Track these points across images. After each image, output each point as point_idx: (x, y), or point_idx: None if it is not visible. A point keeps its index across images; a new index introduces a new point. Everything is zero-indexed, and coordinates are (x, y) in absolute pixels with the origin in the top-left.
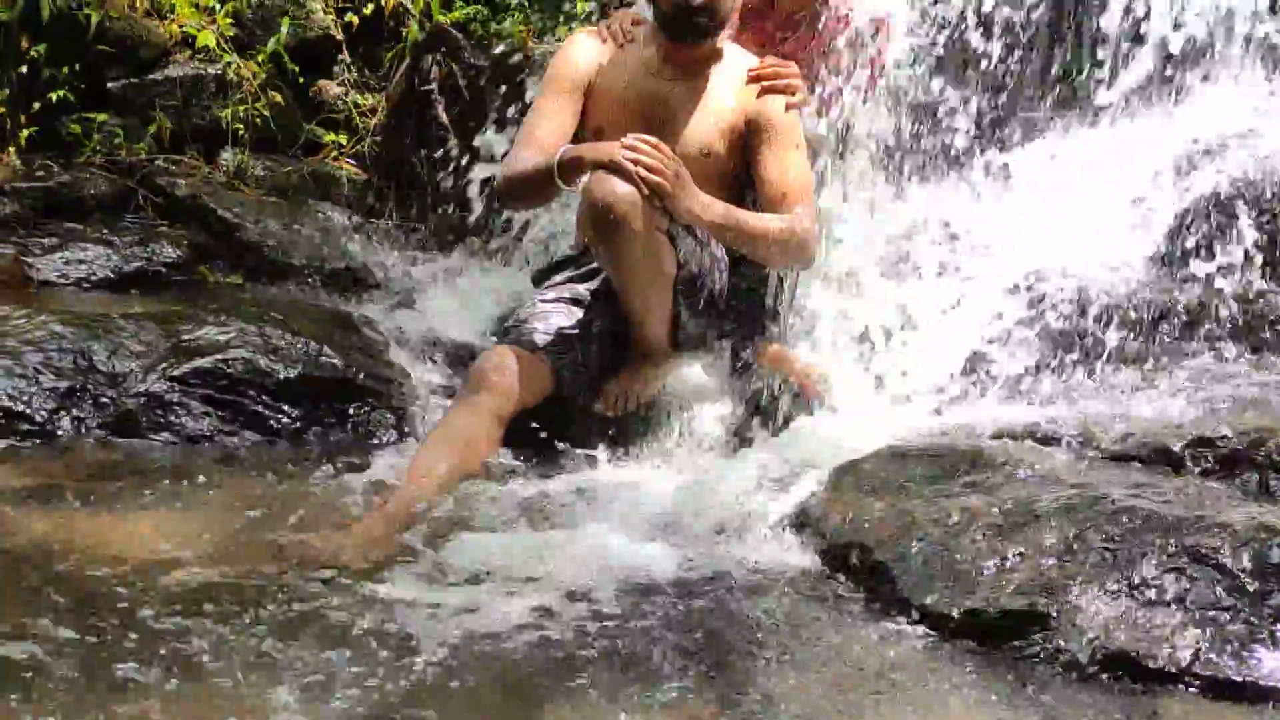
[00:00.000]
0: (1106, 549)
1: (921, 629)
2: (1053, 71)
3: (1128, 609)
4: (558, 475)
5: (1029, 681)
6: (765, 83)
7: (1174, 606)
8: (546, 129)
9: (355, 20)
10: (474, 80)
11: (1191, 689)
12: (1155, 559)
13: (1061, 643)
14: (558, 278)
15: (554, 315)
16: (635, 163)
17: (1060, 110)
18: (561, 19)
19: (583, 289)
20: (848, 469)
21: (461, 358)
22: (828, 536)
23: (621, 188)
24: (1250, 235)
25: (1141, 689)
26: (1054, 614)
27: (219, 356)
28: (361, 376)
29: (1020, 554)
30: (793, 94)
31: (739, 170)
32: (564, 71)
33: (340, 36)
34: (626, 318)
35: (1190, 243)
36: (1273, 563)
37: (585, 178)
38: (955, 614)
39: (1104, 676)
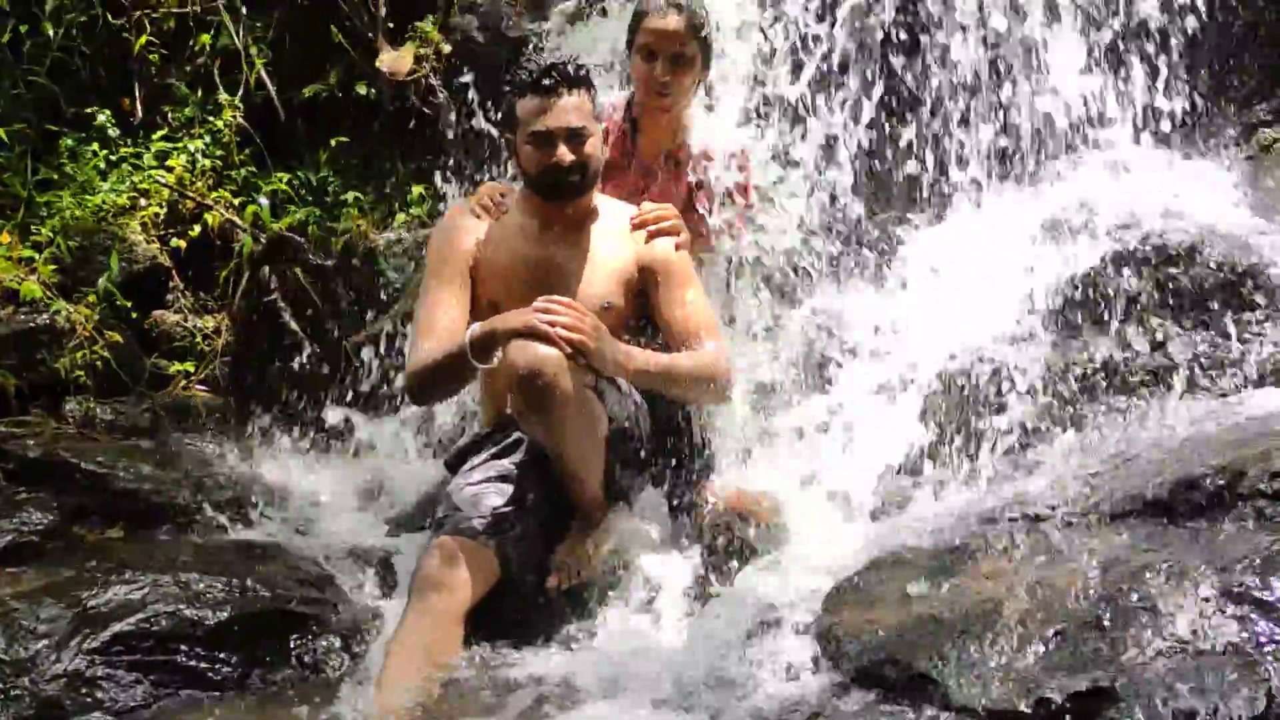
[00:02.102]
0: (1143, 608)
1: None
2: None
3: (1186, 664)
4: (535, 661)
5: None
6: (650, 227)
7: (1230, 654)
8: (443, 315)
9: (183, 244)
10: (325, 282)
11: None
12: (1198, 608)
13: (1140, 714)
14: (477, 459)
15: (486, 496)
16: (552, 324)
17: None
18: (397, 206)
19: (508, 464)
20: (845, 588)
21: (388, 560)
22: (854, 659)
23: (545, 351)
24: (1138, 290)
25: None
26: (1120, 686)
27: (139, 616)
28: (295, 603)
29: (1059, 632)
30: (677, 234)
31: (638, 318)
32: (447, 254)
33: (169, 263)
34: (562, 483)
35: (1081, 306)
36: None
37: (498, 354)
38: (1024, 707)
39: None
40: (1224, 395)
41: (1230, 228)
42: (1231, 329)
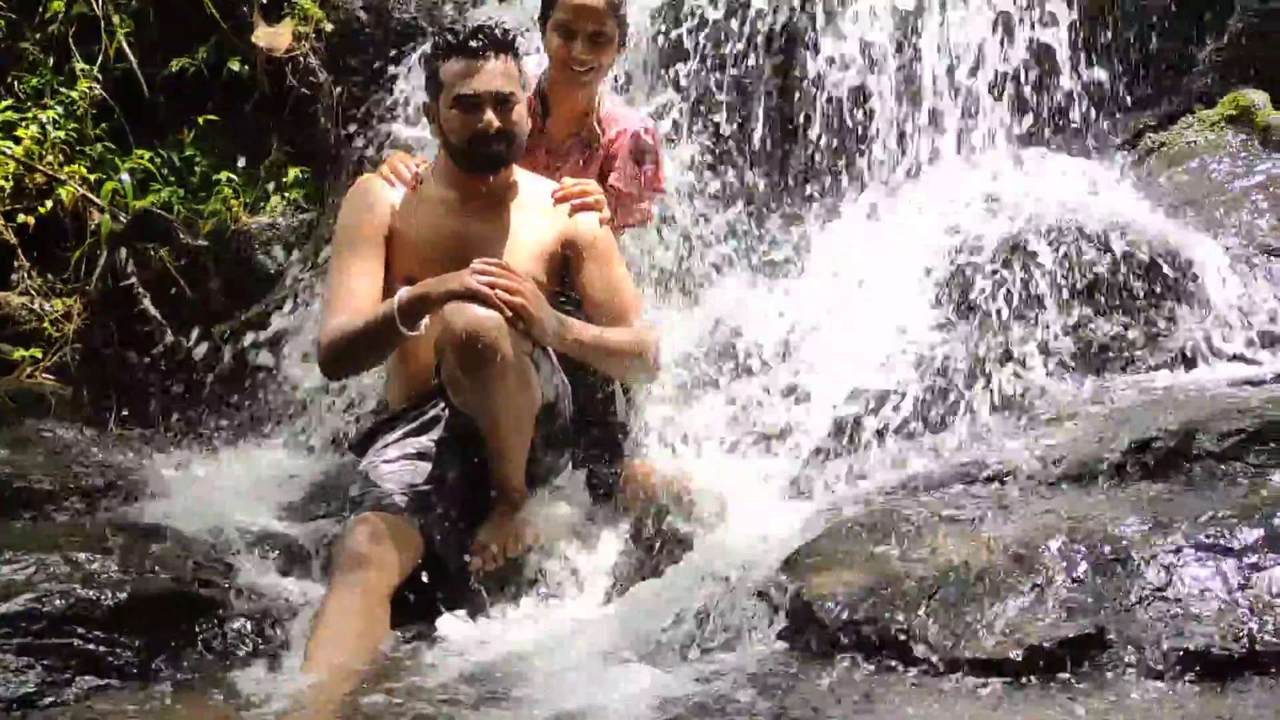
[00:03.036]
0: (1116, 560)
1: (972, 679)
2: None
3: (1170, 611)
4: (468, 639)
5: (1108, 690)
6: (574, 201)
7: (1207, 598)
8: (359, 286)
9: (30, 220)
10: (191, 266)
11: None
12: (1171, 558)
13: (1134, 650)
14: (391, 436)
15: (404, 474)
16: (491, 286)
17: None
18: (271, 189)
19: (426, 441)
20: (805, 554)
21: (287, 545)
22: (829, 622)
23: (484, 313)
24: (1056, 273)
25: (1215, 682)
26: (1109, 632)
27: (27, 597)
28: (198, 586)
29: (1037, 585)
30: (600, 210)
31: (561, 295)
32: (360, 224)
33: (14, 240)
34: (490, 459)
35: (995, 292)
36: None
37: (424, 321)
38: (1016, 655)
39: (1180, 676)
40: (1151, 371)
41: (1136, 219)
42: (1149, 312)
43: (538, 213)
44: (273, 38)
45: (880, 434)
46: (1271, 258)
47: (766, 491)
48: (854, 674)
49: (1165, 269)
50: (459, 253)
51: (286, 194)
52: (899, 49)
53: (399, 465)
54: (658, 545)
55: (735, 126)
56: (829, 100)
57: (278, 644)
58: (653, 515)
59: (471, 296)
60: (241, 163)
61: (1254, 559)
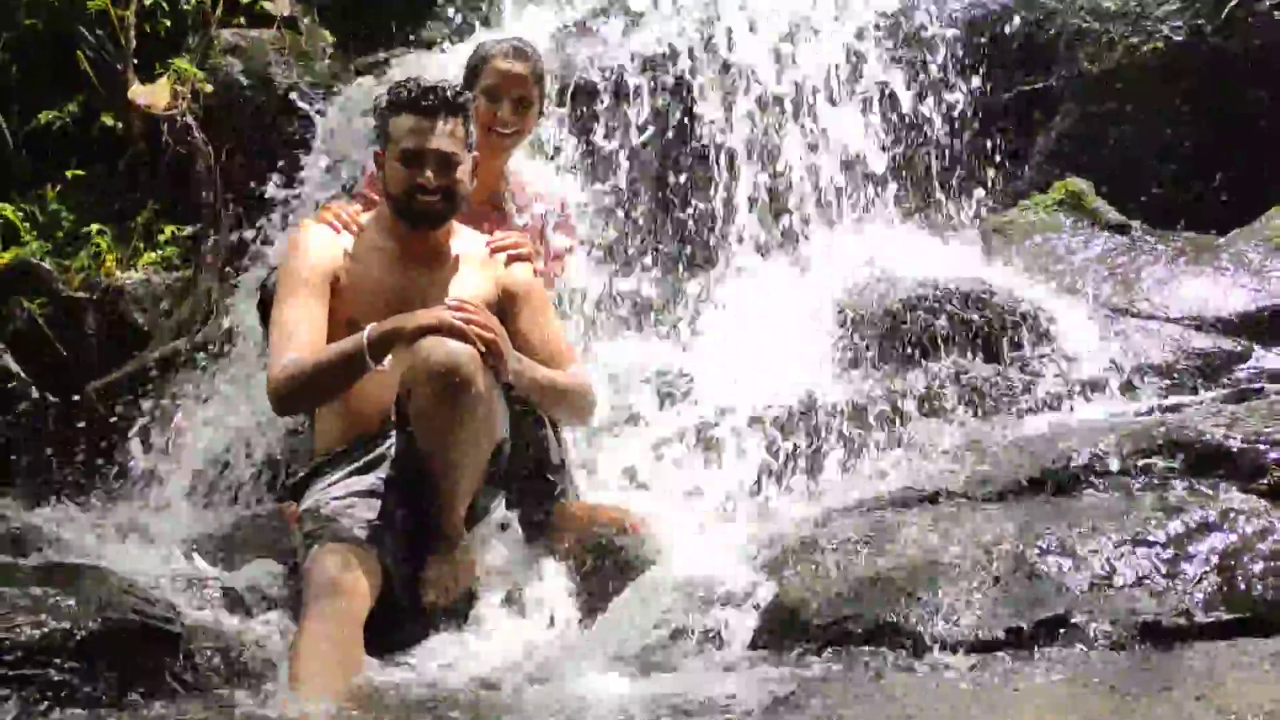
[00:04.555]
0: (1065, 555)
1: (958, 659)
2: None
3: (1119, 595)
4: (447, 666)
5: (1079, 660)
6: (509, 252)
7: (1147, 582)
8: (308, 325)
9: None
10: (61, 322)
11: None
12: (1110, 552)
13: (1094, 628)
14: (333, 476)
15: (358, 509)
16: (467, 321)
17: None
18: (143, 246)
19: (373, 479)
20: (779, 564)
21: (225, 586)
22: (813, 622)
23: (460, 347)
24: (938, 330)
25: (1164, 648)
26: (1077, 610)
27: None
28: (160, 620)
29: (998, 579)
30: (532, 261)
31: None
32: (308, 266)
33: None
34: (437, 496)
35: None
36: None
37: (389, 358)
38: (999, 634)
39: (1137, 645)
40: (1028, 414)
41: (1004, 283)
42: (1021, 362)
43: (475, 264)
44: (151, 94)
45: (796, 470)
46: (1119, 316)
47: (708, 523)
48: (845, 665)
49: (1033, 325)
50: (402, 301)
51: (161, 250)
52: (778, 127)
53: (349, 501)
54: (609, 576)
55: (625, 195)
56: (720, 169)
57: (251, 675)
58: (595, 548)
59: (448, 331)
60: (112, 220)
61: (1174, 551)
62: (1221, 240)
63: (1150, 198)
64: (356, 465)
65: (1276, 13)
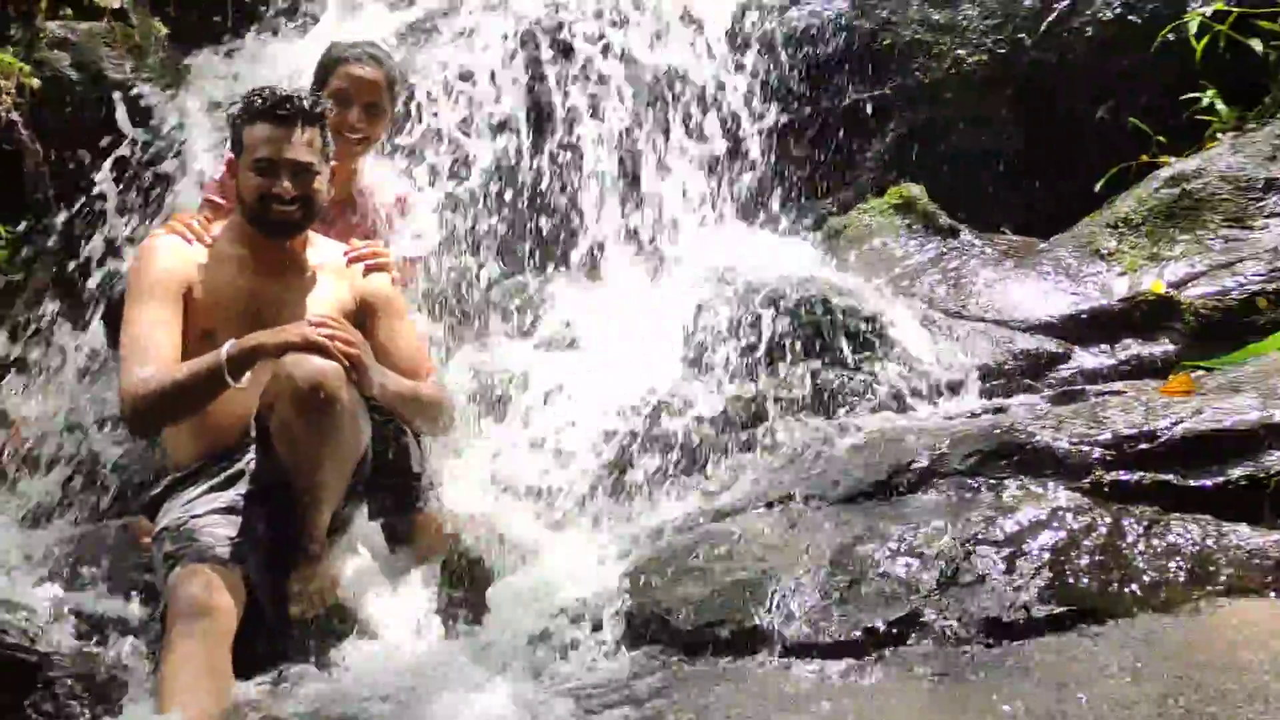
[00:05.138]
0: (913, 555)
1: (818, 663)
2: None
3: (963, 593)
4: (314, 683)
5: (932, 658)
6: (367, 262)
7: (988, 579)
8: (161, 338)
9: None
10: None
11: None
12: (954, 551)
13: (942, 625)
14: (191, 493)
15: (217, 527)
16: (330, 337)
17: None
18: None
19: (233, 495)
20: (641, 572)
21: (79, 612)
22: (682, 627)
23: (325, 363)
24: (788, 333)
25: (1007, 641)
26: (927, 607)
27: None
28: (17, 651)
29: (854, 581)
30: (391, 270)
31: None
32: (159, 277)
33: None
34: (300, 510)
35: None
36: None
37: (247, 374)
38: (857, 635)
39: (980, 641)
40: (871, 414)
41: (844, 286)
42: (864, 364)
43: (333, 273)
44: None
45: (648, 476)
46: (952, 319)
47: (553, 529)
48: (715, 670)
49: (875, 328)
50: (257, 311)
51: None
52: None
53: (210, 519)
54: (469, 584)
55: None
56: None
57: (114, 702)
58: (459, 556)
59: (311, 347)
60: None
61: (1011, 549)
62: (1043, 245)
63: (977, 202)
64: (215, 481)
65: (1089, 28)
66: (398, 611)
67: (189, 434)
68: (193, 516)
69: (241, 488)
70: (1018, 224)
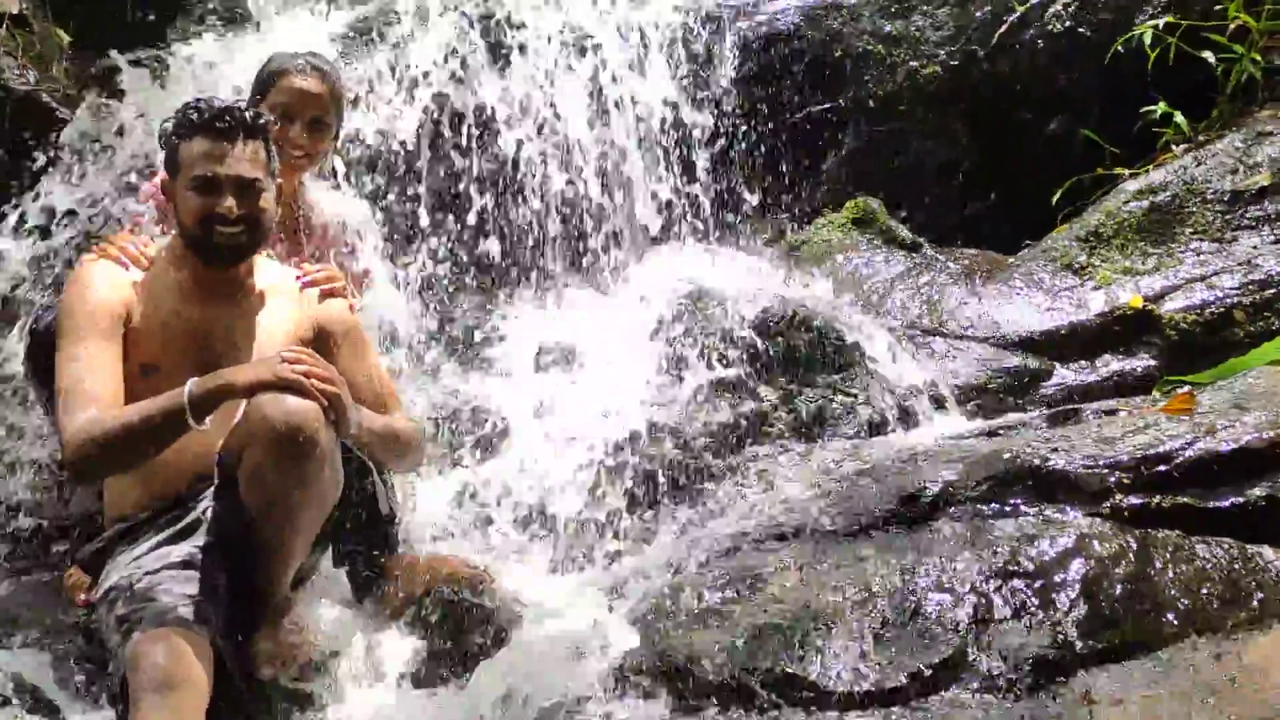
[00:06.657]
0: (946, 592)
1: (856, 713)
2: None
3: (999, 630)
4: None
5: (974, 703)
6: (322, 288)
7: (1024, 614)
8: (103, 376)
9: None
10: None
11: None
12: (986, 586)
13: (988, 665)
14: (139, 548)
15: (176, 584)
16: (307, 375)
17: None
18: None
19: (188, 548)
20: (653, 616)
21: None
22: (708, 675)
23: (303, 404)
24: (767, 354)
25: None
26: (969, 648)
27: None
28: None
29: (887, 622)
30: (347, 296)
31: None
32: (95, 309)
33: None
34: (264, 561)
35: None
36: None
37: (210, 417)
38: (903, 680)
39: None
40: (856, 439)
41: (817, 306)
42: (840, 386)
43: (285, 299)
44: None
45: (636, 505)
46: (930, 336)
47: (536, 570)
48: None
49: (853, 347)
50: (207, 342)
51: None
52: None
53: (165, 575)
54: (453, 633)
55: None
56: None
57: None
58: (438, 603)
59: (284, 386)
60: None
61: (1043, 580)
62: (1012, 259)
63: (932, 215)
64: (167, 534)
65: (1040, 40)
66: (375, 665)
67: (133, 479)
68: (146, 573)
69: (198, 539)
70: (972, 237)
